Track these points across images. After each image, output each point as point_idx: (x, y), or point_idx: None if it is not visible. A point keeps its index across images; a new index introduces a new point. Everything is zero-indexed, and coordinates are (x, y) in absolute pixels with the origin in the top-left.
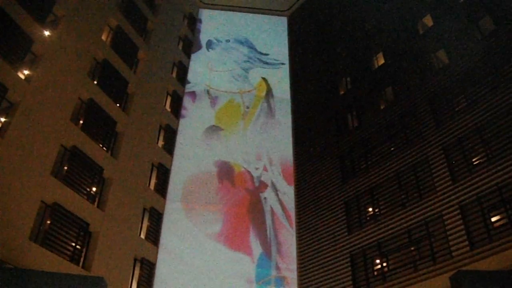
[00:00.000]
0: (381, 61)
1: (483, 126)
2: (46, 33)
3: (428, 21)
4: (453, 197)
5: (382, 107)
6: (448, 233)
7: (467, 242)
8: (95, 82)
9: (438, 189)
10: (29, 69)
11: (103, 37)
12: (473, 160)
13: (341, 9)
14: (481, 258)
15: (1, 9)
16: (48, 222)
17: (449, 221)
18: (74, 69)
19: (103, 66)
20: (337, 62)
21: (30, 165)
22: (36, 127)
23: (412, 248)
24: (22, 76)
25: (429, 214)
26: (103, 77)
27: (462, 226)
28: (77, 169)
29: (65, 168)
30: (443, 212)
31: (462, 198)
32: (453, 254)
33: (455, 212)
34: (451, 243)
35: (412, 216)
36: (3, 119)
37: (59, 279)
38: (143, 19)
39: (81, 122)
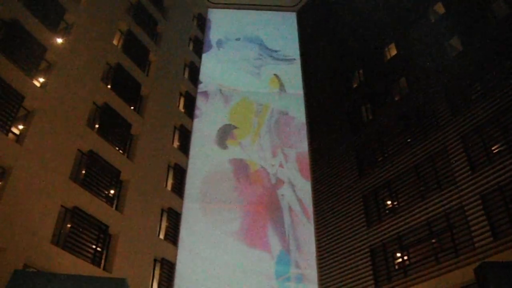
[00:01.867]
0: (394, 51)
1: (502, 113)
2: (59, 40)
3: (440, 8)
4: (473, 187)
5: (396, 99)
6: (470, 224)
7: (490, 233)
8: (109, 86)
9: (457, 179)
10: (44, 77)
11: (115, 42)
12: (493, 148)
13: (350, 1)
14: (505, 248)
15: (14, 19)
16: (69, 225)
17: (470, 211)
18: (87, 75)
19: (116, 70)
20: (348, 55)
21: (49, 170)
22: (53, 133)
23: (433, 241)
24: (38, 84)
25: (449, 205)
26: (117, 81)
27: (484, 217)
28: (95, 173)
29: (83, 172)
30: (464, 203)
31: (483, 187)
32: (476, 245)
33: (476, 202)
34: (473, 234)
35: (432, 208)
36: (21, 127)
37: (82, 282)
38: (153, 21)
39: (97, 126)
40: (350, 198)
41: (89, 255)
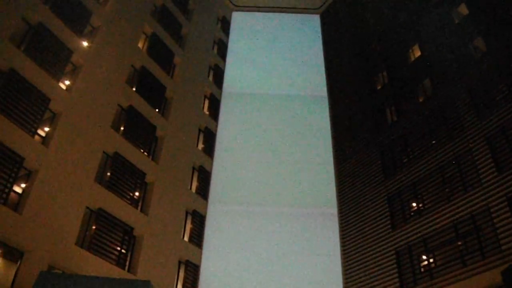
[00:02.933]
0: (418, 53)
1: None
2: (85, 43)
3: (463, 9)
4: (499, 188)
5: (421, 100)
6: (497, 226)
7: None
8: (134, 89)
9: (483, 181)
10: (70, 79)
11: (140, 45)
12: None
13: (373, 3)
14: None
15: (40, 23)
16: (94, 227)
17: (496, 213)
18: (113, 77)
19: (141, 73)
20: (372, 57)
21: (75, 172)
22: (79, 135)
23: (459, 243)
24: (64, 87)
25: (475, 207)
26: (141, 84)
27: (511, 218)
28: (120, 175)
29: (108, 174)
30: (490, 205)
31: (509, 189)
32: (503, 247)
33: (503, 204)
34: (500, 236)
35: (457, 210)
36: (47, 129)
37: (107, 283)
38: (178, 25)
39: (122, 128)
40: (375, 200)
41: (114, 257)
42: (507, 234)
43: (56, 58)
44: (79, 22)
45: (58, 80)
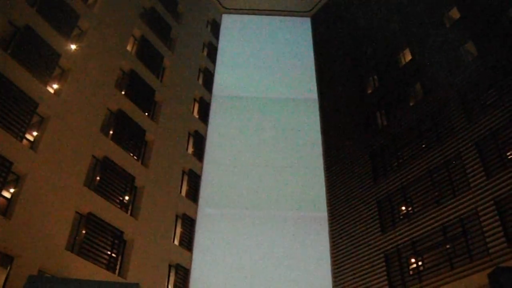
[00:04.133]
0: (408, 57)
1: None
2: (73, 47)
3: (455, 13)
4: (488, 192)
5: (411, 104)
6: (484, 229)
7: (504, 238)
8: (123, 93)
9: (472, 185)
10: (58, 83)
11: (128, 48)
12: (508, 154)
13: (364, 7)
14: None
15: (27, 25)
16: (84, 232)
17: (484, 217)
18: (101, 81)
19: (130, 76)
20: (363, 60)
21: (64, 177)
22: (68, 140)
23: (448, 246)
24: (52, 90)
25: (464, 211)
26: (131, 87)
27: (499, 222)
28: (109, 179)
29: (98, 178)
30: (478, 208)
31: (498, 193)
32: (490, 251)
33: (491, 208)
34: (487, 239)
35: (446, 214)
36: (35, 133)
37: (96, 286)
38: (167, 27)
39: (111, 132)
40: (365, 204)
41: (104, 261)
42: (494, 238)
43: (44, 62)
44: (66, 25)
45: (46, 84)
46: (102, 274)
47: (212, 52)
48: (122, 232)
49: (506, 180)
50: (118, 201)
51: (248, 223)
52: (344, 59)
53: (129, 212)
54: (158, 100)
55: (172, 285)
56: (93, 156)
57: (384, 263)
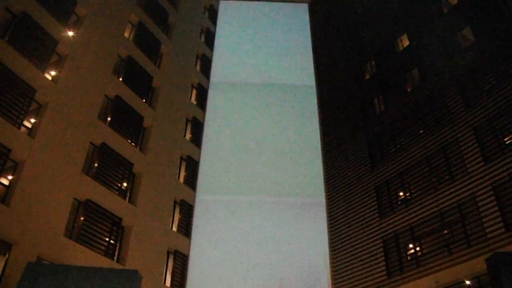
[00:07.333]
0: (406, 42)
1: None
2: (70, 33)
3: None
4: (485, 178)
5: (409, 90)
6: (482, 214)
7: (502, 224)
8: (121, 79)
9: (470, 170)
10: (55, 70)
11: (126, 34)
12: (505, 139)
13: None
14: None
15: (24, 12)
16: (82, 218)
17: (482, 202)
18: (99, 67)
19: (127, 63)
20: (361, 46)
21: (62, 163)
22: (66, 126)
23: (446, 231)
24: (49, 77)
25: (461, 196)
26: (128, 74)
27: (496, 207)
28: (107, 166)
29: (96, 165)
30: (476, 194)
31: (495, 178)
32: (488, 236)
33: (489, 193)
34: (485, 225)
35: (444, 199)
36: (33, 120)
37: (94, 273)
38: (164, 13)
39: (109, 119)
40: (363, 190)
41: (103, 247)
42: (492, 223)
43: (41, 48)
44: (64, 11)
45: (44, 71)
46: (100, 261)
47: (209, 38)
48: (120, 219)
49: (504, 166)
50: (116, 187)
51: (247, 209)
52: (342, 45)
53: (127, 198)
54: (155, 86)
55: (170, 271)
56: (91, 143)
57: (382, 249)
